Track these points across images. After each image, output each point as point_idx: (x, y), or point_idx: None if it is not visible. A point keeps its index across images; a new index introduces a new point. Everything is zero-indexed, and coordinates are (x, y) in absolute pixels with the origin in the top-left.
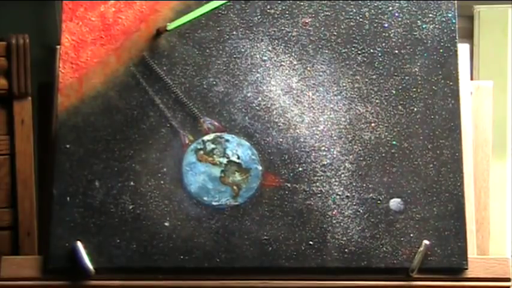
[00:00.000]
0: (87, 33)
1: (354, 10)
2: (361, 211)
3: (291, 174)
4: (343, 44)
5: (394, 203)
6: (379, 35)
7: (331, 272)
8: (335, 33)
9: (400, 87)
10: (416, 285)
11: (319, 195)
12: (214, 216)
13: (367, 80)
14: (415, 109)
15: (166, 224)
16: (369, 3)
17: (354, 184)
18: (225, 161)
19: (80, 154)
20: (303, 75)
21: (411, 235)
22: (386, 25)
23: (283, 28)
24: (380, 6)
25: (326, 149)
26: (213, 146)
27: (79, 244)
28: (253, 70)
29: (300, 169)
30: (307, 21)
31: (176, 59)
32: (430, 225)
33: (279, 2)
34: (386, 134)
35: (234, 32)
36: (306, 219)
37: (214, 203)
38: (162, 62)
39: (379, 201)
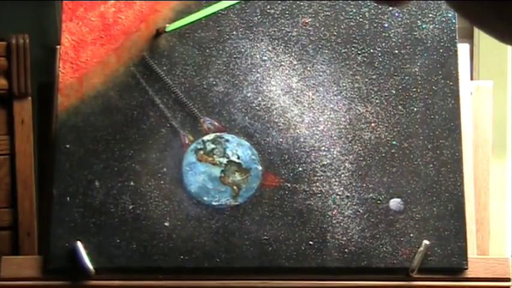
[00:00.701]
0: (87, 33)
1: (354, 10)
2: (361, 211)
3: (291, 174)
4: (343, 44)
5: (394, 203)
6: (379, 35)
7: (331, 272)
8: (335, 33)
9: (400, 87)
10: (416, 285)
11: (319, 195)
12: (214, 216)
13: (367, 80)
14: (415, 109)
15: (166, 224)
16: (369, 3)
17: (354, 184)
18: (225, 161)
19: (80, 154)
20: (303, 75)
21: (411, 235)
22: (386, 25)
23: (283, 28)
24: (380, 6)
25: (326, 149)
26: (213, 146)
27: (79, 244)
28: (253, 70)
29: (300, 169)
30: (307, 21)
31: (176, 59)
32: (430, 225)
33: (279, 2)
34: (386, 134)
35: (234, 32)
36: (306, 219)
37: (214, 203)
38: (162, 62)
39: (379, 201)
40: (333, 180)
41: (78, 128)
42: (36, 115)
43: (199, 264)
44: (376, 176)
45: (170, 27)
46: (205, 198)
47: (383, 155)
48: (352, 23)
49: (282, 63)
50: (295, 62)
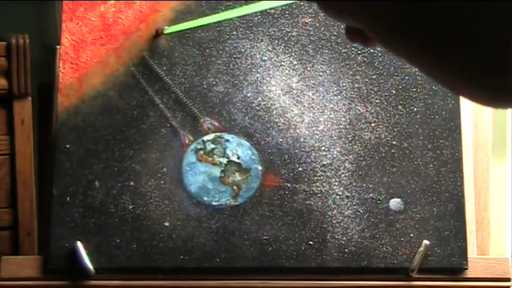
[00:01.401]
0: (87, 33)
1: None
2: (361, 211)
3: (291, 174)
4: (343, 44)
5: (394, 203)
6: None
7: (331, 272)
8: (335, 33)
9: (400, 87)
10: (416, 285)
11: (319, 195)
12: (214, 216)
13: (367, 80)
14: (415, 109)
15: (166, 224)
16: None
17: (354, 184)
18: (225, 161)
19: (80, 154)
20: (303, 75)
21: (411, 235)
22: None
23: (283, 28)
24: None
25: (326, 149)
26: (213, 146)
27: (79, 244)
28: (253, 70)
29: (300, 169)
30: (307, 21)
31: (176, 59)
32: (430, 225)
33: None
34: (386, 134)
35: (234, 32)
36: (306, 219)
37: (214, 203)
38: (162, 62)
39: (379, 201)
40: (333, 180)
41: (78, 128)
42: (36, 115)
43: (199, 264)
44: (376, 176)
45: (169, 29)
46: (205, 198)
47: (383, 155)
48: None
49: (282, 63)
50: (295, 62)
